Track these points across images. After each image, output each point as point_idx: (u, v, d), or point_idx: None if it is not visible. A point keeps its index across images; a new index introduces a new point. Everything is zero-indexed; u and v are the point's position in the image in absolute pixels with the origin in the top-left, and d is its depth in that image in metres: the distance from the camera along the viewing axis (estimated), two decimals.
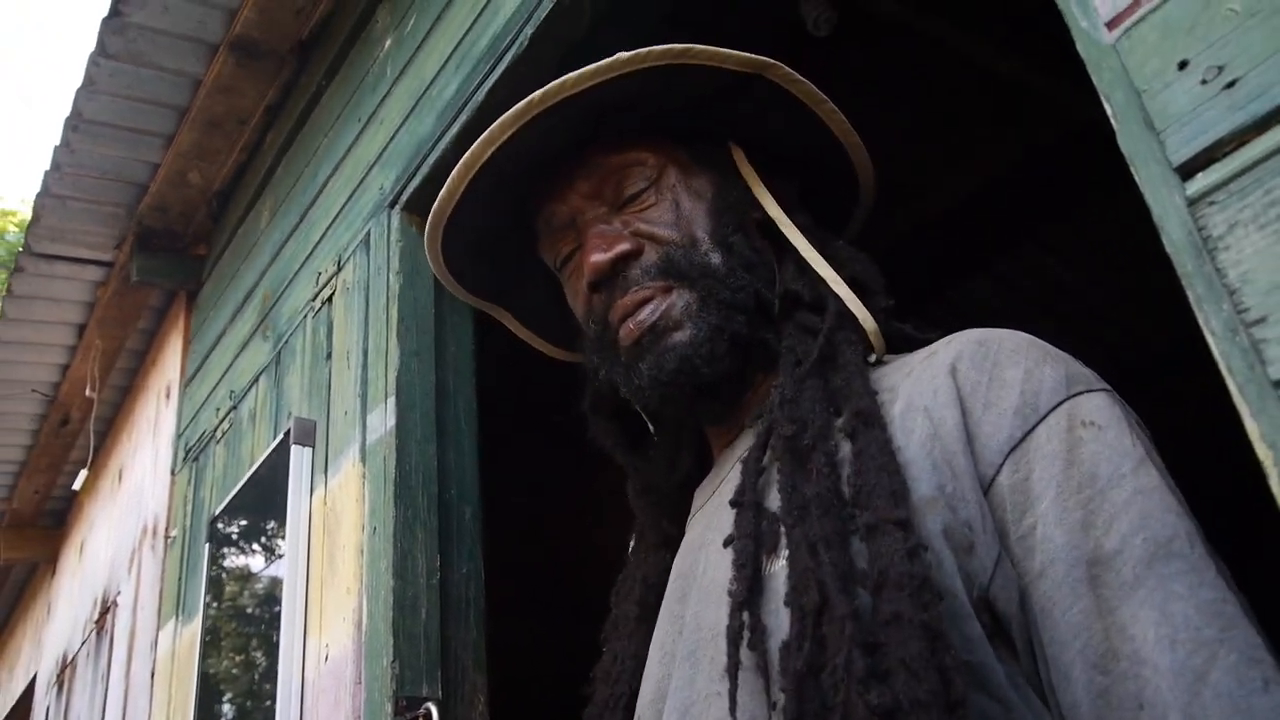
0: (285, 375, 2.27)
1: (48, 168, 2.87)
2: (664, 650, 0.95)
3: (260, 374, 2.43)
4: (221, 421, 2.62)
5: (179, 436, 3.04)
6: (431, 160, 1.83)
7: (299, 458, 1.96)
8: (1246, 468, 0.56)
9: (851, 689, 0.67)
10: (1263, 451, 0.54)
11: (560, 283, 1.17)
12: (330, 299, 2.11)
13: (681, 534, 1.08)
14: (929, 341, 0.95)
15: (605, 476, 1.43)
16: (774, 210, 1.07)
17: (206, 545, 2.38)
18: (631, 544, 1.21)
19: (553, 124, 1.05)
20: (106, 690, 3.24)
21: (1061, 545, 0.71)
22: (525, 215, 1.18)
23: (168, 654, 2.63)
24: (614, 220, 1.06)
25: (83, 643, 3.79)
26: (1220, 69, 0.60)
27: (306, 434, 1.98)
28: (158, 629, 2.78)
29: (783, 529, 0.81)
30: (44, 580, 5.14)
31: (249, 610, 2.12)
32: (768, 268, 1.05)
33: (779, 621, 0.77)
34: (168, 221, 3.11)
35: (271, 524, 2.06)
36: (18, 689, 5.30)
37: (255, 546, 2.17)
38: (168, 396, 3.28)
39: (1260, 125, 0.57)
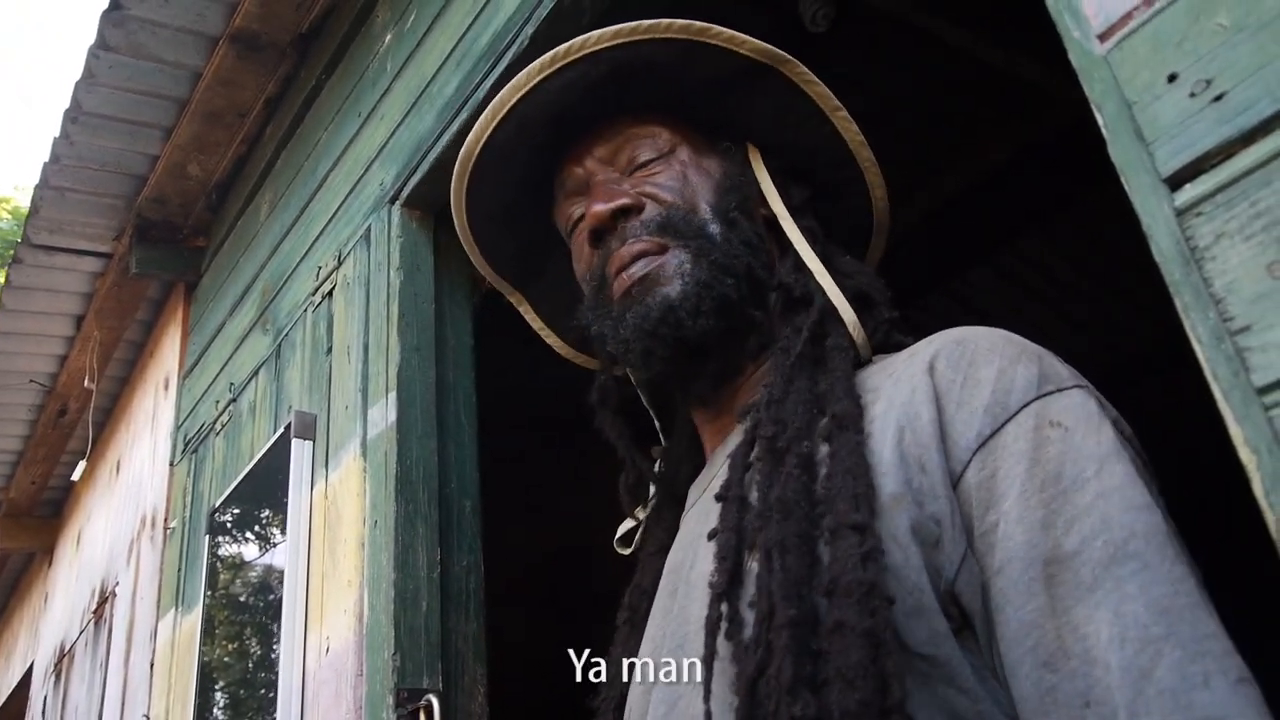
0: (285, 369, 2.29)
1: (47, 159, 2.87)
2: (654, 644, 0.97)
3: (260, 367, 2.45)
4: (221, 414, 2.64)
5: (178, 428, 3.05)
6: (432, 157, 1.84)
7: (300, 451, 1.97)
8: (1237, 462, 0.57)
9: (781, 699, 0.70)
10: (1246, 456, 0.55)
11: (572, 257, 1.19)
12: (330, 293, 2.13)
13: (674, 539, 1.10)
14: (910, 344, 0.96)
15: (601, 471, 1.44)
16: (778, 207, 1.09)
17: (206, 537, 2.39)
18: (632, 542, 1.23)
19: (570, 80, 1.09)
20: (105, 679, 3.26)
21: (1020, 543, 0.72)
22: (544, 194, 1.21)
23: (167, 644, 2.64)
24: (622, 183, 1.09)
25: (80, 632, 3.80)
26: (1209, 82, 0.61)
27: (307, 427, 1.99)
28: (157, 619, 2.79)
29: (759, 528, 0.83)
30: (41, 570, 5.16)
31: (249, 602, 2.13)
32: (767, 255, 1.07)
33: (753, 616, 0.79)
34: (167, 213, 3.12)
35: (271, 516, 2.08)
36: (14, 678, 5.32)
37: (255, 539, 2.18)
38: (166, 388, 3.29)
39: (1247, 138, 0.59)
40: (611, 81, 1.11)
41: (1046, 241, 3.71)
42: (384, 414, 1.73)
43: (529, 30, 1.61)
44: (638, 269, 1.01)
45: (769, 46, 1.10)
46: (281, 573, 1.92)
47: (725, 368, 1.04)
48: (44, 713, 4.21)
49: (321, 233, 2.30)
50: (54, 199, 3.01)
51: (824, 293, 1.00)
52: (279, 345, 2.36)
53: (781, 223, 1.08)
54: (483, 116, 1.13)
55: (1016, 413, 0.78)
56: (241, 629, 2.15)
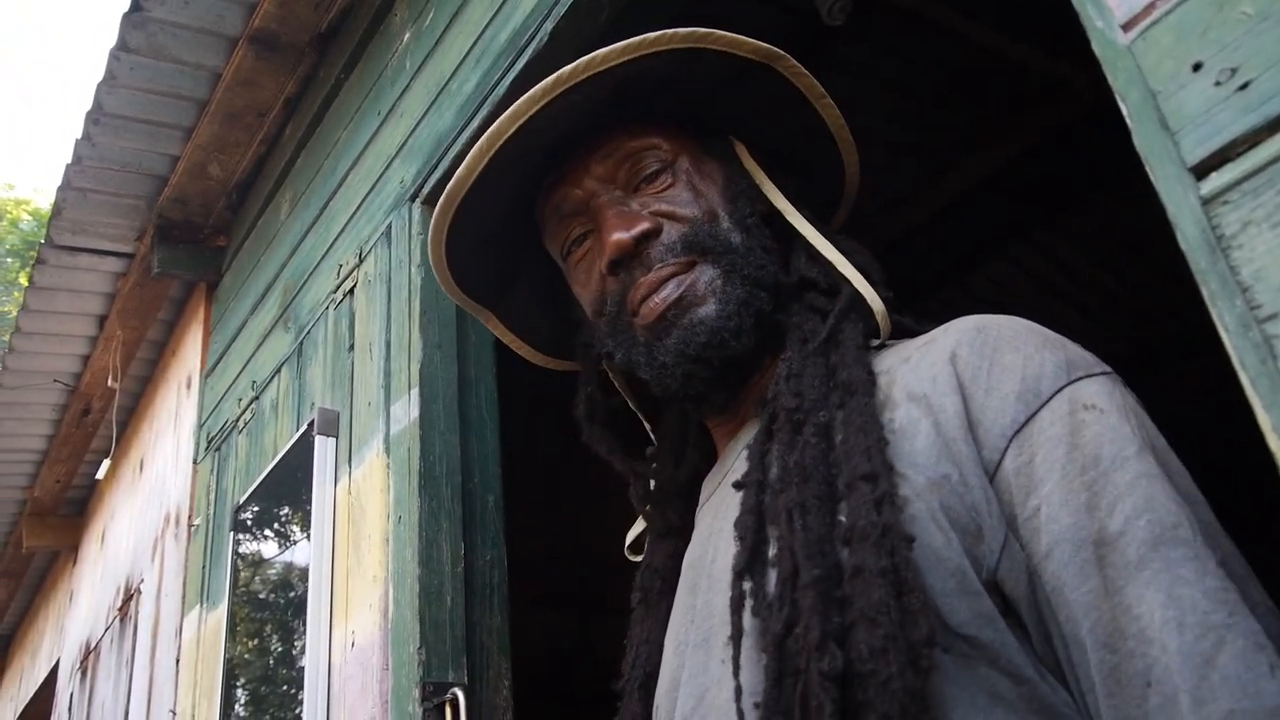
0: (307, 366, 2.30)
1: (69, 161, 2.90)
2: (678, 641, 0.97)
3: (282, 365, 2.46)
4: (244, 412, 2.66)
5: (200, 426, 3.07)
6: (452, 154, 1.85)
7: (323, 448, 1.98)
8: (1262, 451, 0.57)
9: (809, 656, 0.70)
10: (1275, 443, 0.55)
11: (560, 276, 1.17)
12: (352, 291, 2.14)
13: (687, 522, 1.10)
14: (925, 333, 0.96)
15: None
16: (781, 203, 1.09)
17: (231, 534, 2.41)
18: (628, 540, 1.24)
19: (574, 102, 1.04)
20: (131, 676, 3.29)
21: (1067, 526, 0.73)
22: (521, 215, 1.18)
23: (193, 640, 2.67)
24: (631, 202, 1.06)
25: (106, 630, 3.84)
26: (1234, 71, 0.61)
27: (330, 424, 2.01)
28: (182, 616, 2.82)
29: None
30: (65, 568, 5.20)
31: (274, 598, 2.15)
32: (779, 254, 1.07)
33: (775, 576, 0.79)
34: (188, 213, 3.14)
35: (295, 512, 2.09)
36: (40, 675, 5.37)
37: (279, 534, 2.20)
38: (188, 387, 3.31)
39: (1273, 126, 0.59)
40: (611, 99, 1.07)
41: (1061, 234, 3.70)
42: (407, 410, 1.74)
43: (548, 26, 1.62)
44: (670, 292, 0.99)
45: (766, 45, 1.08)
46: (305, 568, 1.93)
47: (750, 374, 1.04)
48: (70, 710, 4.25)
49: (342, 231, 2.31)
50: (76, 200, 3.04)
51: (849, 282, 1.01)
52: (301, 343, 2.38)
53: (788, 217, 1.07)
54: (481, 142, 1.05)
55: (1050, 398, 0.78)
56: (267, 624, 2.16)
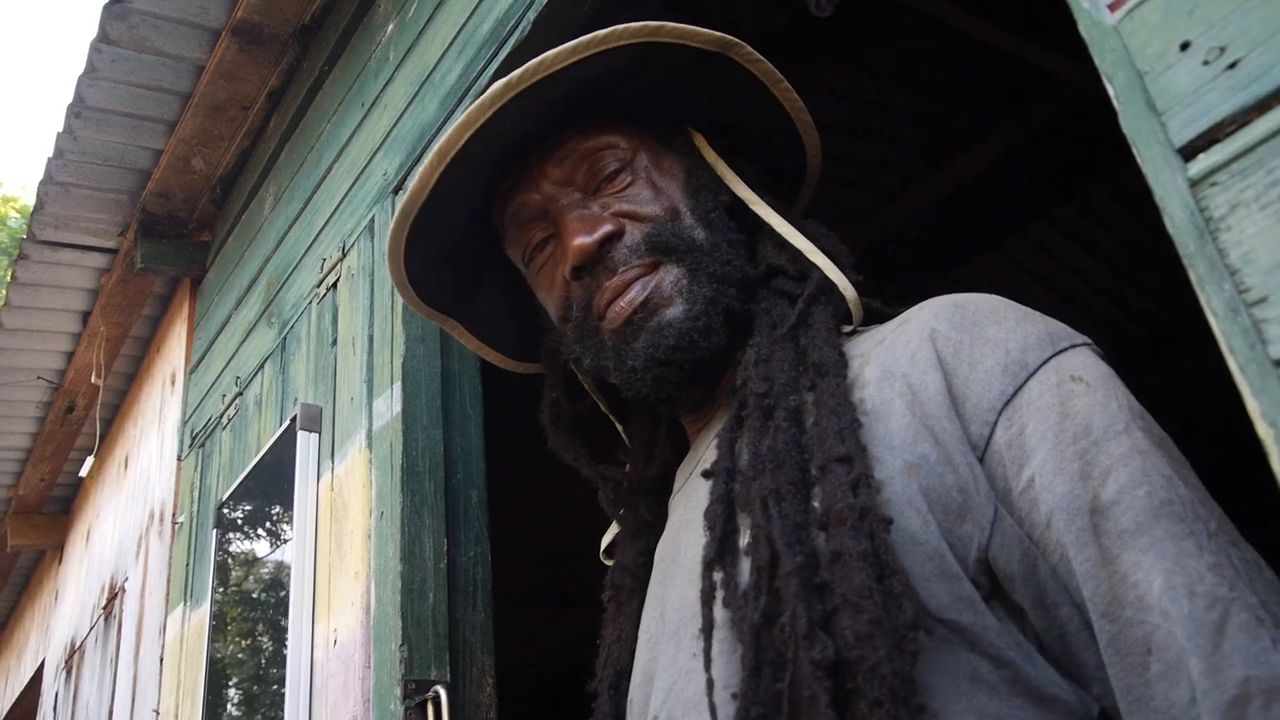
0: (291, 361, 2.28)
1: (51, 155, 2.87)
2: (649, 634, 0.96)
3: (266, 360, 2.44)
4: (227, 408, 2.63)
5: (185, 423, 3.05)
6: (435, 146, 1.83)
7: (306, 443, 1.96)
8: (1252, 444, 0.56)
9: (799, 646, 0.69)
10: (1263, 430, 0.54)
11: (525, 280, 1.15)
12: (335, 285, 2.12)
13: (659, 518, 1.09)
14: (897, 315, 0.95)
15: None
16: (744, 192, 1.07)
17: (214, 531, 2.39)
18: (603, 544, 1.23)
19: (526, 106, 1.03)
20: (115, 675, 3.26)
21: (1063, 495, 0.72)
22: (482, 219, 1.16)
23: (176, 638, 2.65)
24: (591, 204, 1.04)
25: (91, 628, 3.81)
26: (1222, 50, 0.60)
27: (313, 420, 1.99)
28: (166, 614, 2.79)
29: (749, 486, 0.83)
30: (51, 567, 5.17)
31: (257, 595, 2.13)
32: (745, 246, 1.05)
33: (749, 565, 0.78)
34: (171, 208, 3.11)
35: (279, 509, 2.07)
36: (26, 675, 5.34)
37: (262, 532, 2.18)
38: (173, 383, 3.29)
39: (1261, 106, 0.57)
40: (564, 99, 1.05)
41: (1055, 227, 3.70)
42: (389, 405, 1.72)
43: (531, 16, 1.60)
44: (636, 294, 0.97)
45: (718, 34, 1.07)
46: (287, 565, 1.91)
47: (722, 370, 1.03)
48: (55, 709, 4.22)
49: (326, 224, 2.29)
50: (58, 194, 3.01)
51: (818, 268, 1.00)
52: (284, 338, 2.36)
53: (752, 207, 1.06)
54: (431, 156, 1.05)
55: (1036, 370, 0.78)
56: (250, 622, 2.14)
